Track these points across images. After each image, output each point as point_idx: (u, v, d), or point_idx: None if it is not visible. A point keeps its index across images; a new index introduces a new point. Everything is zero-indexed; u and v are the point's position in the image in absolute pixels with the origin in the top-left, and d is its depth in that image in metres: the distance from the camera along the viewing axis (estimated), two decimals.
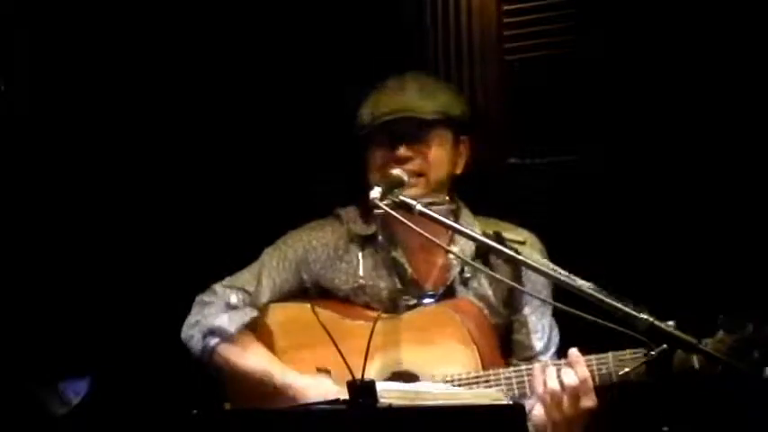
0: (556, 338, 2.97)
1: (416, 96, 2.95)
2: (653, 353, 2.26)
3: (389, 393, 2.26)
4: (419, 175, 2.91)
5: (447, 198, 2.96)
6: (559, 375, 2.62)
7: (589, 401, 2.61)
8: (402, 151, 2.91)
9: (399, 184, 2.82)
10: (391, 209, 2.64)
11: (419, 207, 2.61)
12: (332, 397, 2.62)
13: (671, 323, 2.29)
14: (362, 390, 2.18)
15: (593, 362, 2.63)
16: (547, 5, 3.58)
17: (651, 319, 2.28)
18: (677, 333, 2.27)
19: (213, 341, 2.95)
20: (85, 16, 3.74)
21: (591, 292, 2.40)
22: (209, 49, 3.78)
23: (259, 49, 3.77)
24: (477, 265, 2.88)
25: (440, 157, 2.95)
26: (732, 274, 3.27)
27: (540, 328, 2.95)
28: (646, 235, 3.41)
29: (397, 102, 2.94)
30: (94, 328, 3.68)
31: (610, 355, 2.63)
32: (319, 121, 3.70)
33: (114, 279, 3.73)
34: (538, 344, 2.95)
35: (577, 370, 2.61)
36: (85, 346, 3.64)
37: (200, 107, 3.77)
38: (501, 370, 2.75)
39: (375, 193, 2.68)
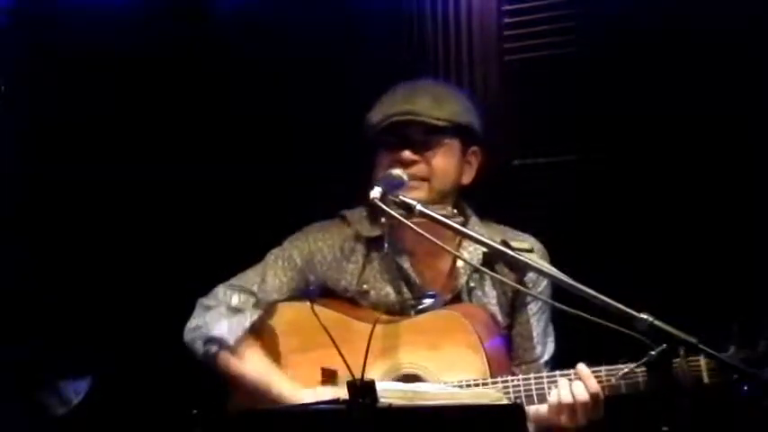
0: (551, 346, 3.00)
1: (427, 102, 2.94)
2: (653, 353, 2.26)
3: (389, 393, 2.26)
4: (422, 179, 2.92)
5: (454, 210, 2.96)
6: (571, 389, 2.67)
7: (599, 412, 2.68)
8: (407, 154, 2.92)
9: (400, 184, 2.82)
10: (391, 209, 2.64)
11: (419, 207, 2.61)
12: None
13: (693, 339, 2.29)
14: (362, 390, 2.18)
15: (603, 373, 2.67)
16: (547, 5, 3.58)
17: (651, 319, 2.28)
18: (677, 333, 2.27)
19: (213, 349, 2.94)
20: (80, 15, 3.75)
21: (592, 292, 2.40)
22: (213, 51, 3.78)
23: (262, 49, 3.78)
24: (486, 270, 2.87)
25: (445, 165, 2.96)
26: (733, 274, 3.27)
27: (535, 335, 2.97)
28: (646, 235, 3.40)
29: (407, 106, 2.94)
30: (95, 328, 3.69)
31: (621, 366, 2.65)
32: (321, 123, 3.70)
33: (114, 279, 3.74)
34: (534, 351, 2.97)
35: (588, 385, 2.66)
36: (86, 346, 3.64)
37: (204, 111, 3.78)
38: (508, 378, 2.76)
39: (375, 192, 2.67)
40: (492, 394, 2.62)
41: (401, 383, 2.67)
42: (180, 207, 3.77)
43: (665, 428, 2.42)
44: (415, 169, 2.91)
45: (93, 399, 3.51)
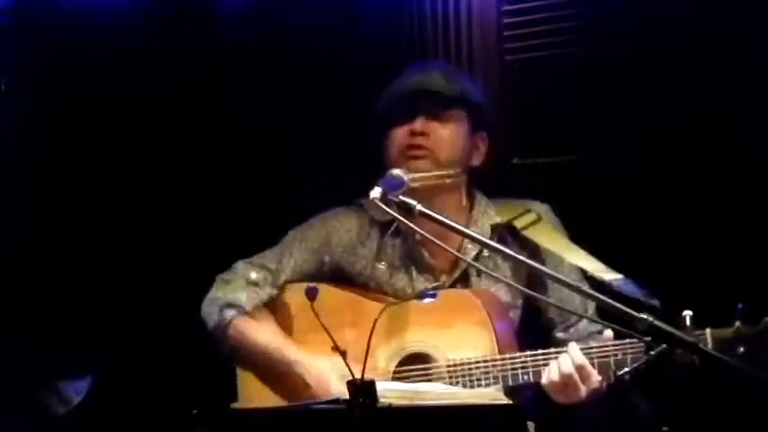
0: (591, 303, 2.91)
1: (439, 77, 3.02)
2: (652, 353, 2.26)
3: (389, 393, 2.26)
4: (427, 151, 2.95)
5: (457, 170, 2.98)
6: (558, 364, 2.69)
7: (592, 384, 2.69)
8: (419, 124, 2.97)
9: (400, 184, 2.82)
10: (392, 209, 2.64)
11: (419, 207, 2.61)
12: (328, 380, 2.76)
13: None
14: (362, 389, 2.18)
15: (610, 348, 2.68)
16: (547, 5, 3.58)
17: (650, 319, 2.28)
18: (677, 333, 2.27)
19: (229, 314, 3.00)
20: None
21: (592, 292, 2.40)
22: (214, 51, 3.78)
23: (261, 49, 3.77)
24: (484, 270, 2.89)
25: (453, 137, 3.00)
26: (734, 274, 3.27)
27: (573, 297, 2.91)
28: (646, 235, 3.40)
29: (420, 79, 3.01)
30: (95, 328, 3.69)
31: (614, 342, 2.68)
32: (321, 123, 3.70)
33: (115, 279, 3.74)
34: (574, 313, 2.93)
35: (574, 358, 2.67)
36: (86, 346, 3.64)
37: (204, 110, 3.78)
38: (517, 354, 2.78)
39: (375, 193, 2.68)
40: (492, 393, 2.63)
41: (402, 383, 2.67)
42: (180, 206, 3.77)
43: (664, 428, 2.43)
44: (423, 140, 2.96)
45: (93, 399, 3.51)
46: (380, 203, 2.66)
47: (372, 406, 2.18)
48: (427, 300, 2.93)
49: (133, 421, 3.55)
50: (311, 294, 2.61)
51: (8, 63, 3.76)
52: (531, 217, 2.96)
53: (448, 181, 2.95)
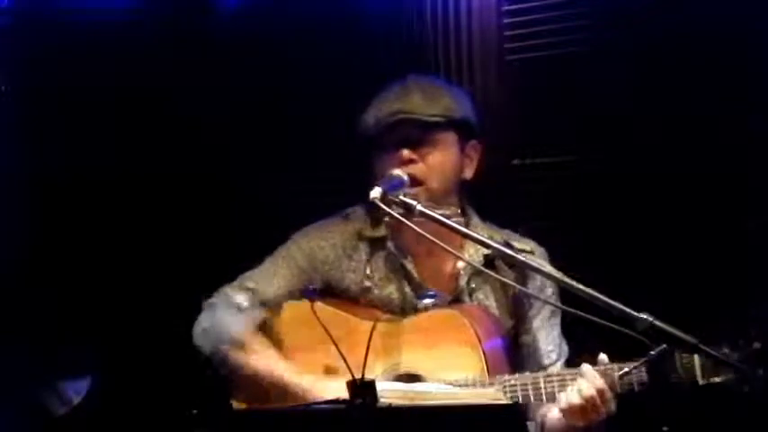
0: (565, 348, 3.00)
1: (420, 100, 2.94)
2: (652, 353, 2.26)
3: (389, 393, 2.26)
4: (420, 182, 2.90)
5: (458, 211, 2.97)
6: (578, 388, 2.65)
7: (610, 408, 2.65)
8: (405, 153, 2.91)
9: (400, 184, 2.82)
10: (392, 209, 2.64)
11: (419, 207, 2.61)
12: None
13: (693, 340, 2.28)
14: (362, 390, 2.18)
15: (615, 370, 2.65)
16: (547, 5, 3.58)
17: (651, 319, 2.28)
18: (677, 333, 2.28)
19: (224, 347, 2.94)
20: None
21: (592, 293, 2.40)
22: (214, 52, 3.79)
23: (261, 49, 3.78)
24: (488, 270, 2.86)
25: (443, 161, 2.95)
26: (733, 274, 3.27)
27: (551, 340, 2.97)
28: (645, 235, 3.41)
29: (401, 105, 2.94)
30: (95, 328, 3.69)
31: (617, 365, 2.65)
32: (321, 124, 3.70)
33: (115, 279, 3.74)
34: (550, 356, 2.96)
35: (595, 383, 2.64)
36: (86, 346, 3.65)
37: (204, 110, 3.78)
38: (506, 377, 2.75)
39: (375, 193, 2.67)
40: (491, 394, 2.63)
41: (402, 383, 2.67)
42: (180, 206, 3.77)
43: (664, 428, 2.43)
44: (413, 169, 2.91)
45: (93, 399, 3.51)
46: (380, 203, 2.66)
47: (372, 406, 2.17)
48: (427, 300, 2.93)
49: (133, 421, 3.55)
50: (310, 296, 2.61)
51: (8, 63, 3.76)
52: (524, 247, 2.93)
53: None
